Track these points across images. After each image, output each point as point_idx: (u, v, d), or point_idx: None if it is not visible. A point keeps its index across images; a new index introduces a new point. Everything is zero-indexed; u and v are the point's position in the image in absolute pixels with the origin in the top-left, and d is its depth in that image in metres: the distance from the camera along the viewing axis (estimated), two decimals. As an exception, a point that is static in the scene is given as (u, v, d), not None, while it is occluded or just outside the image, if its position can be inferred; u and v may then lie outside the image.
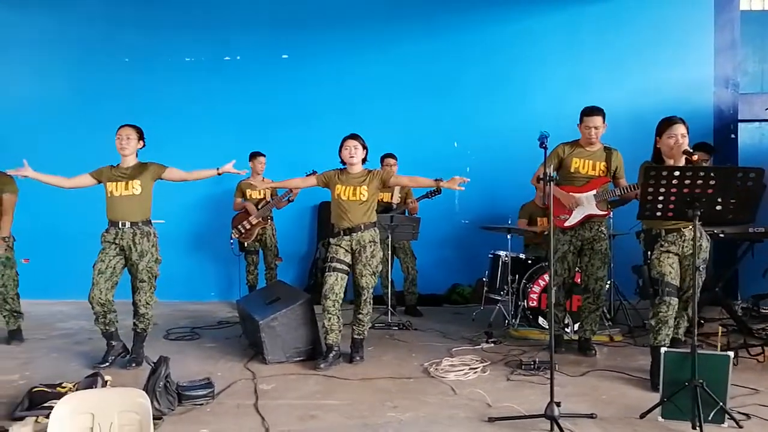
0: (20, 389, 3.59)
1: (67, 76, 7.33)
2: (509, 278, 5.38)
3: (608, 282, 5.49)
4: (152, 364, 3.42)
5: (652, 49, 7.01)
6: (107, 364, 4.21)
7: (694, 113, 6.43)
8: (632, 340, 4.93)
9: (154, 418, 3.07)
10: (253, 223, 6.30)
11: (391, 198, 6.10)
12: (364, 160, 4.44)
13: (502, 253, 5.66)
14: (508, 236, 5.54)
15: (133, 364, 4.19)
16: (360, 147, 4.35)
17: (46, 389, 3.42)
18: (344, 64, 7.28)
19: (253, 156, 6.32)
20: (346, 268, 4.27)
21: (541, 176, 3.20)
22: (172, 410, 3.28)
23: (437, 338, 5.10)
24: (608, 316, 5.35)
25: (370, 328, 5.30)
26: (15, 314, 5.00)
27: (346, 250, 4.27)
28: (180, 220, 7.27)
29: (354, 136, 4.39)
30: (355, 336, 4.41)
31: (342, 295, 4.27)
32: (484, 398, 3.47)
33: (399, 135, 7.09)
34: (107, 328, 4.28)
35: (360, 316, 4.37)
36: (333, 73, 7.28)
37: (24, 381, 3.87)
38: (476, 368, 4.07)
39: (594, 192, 4.38)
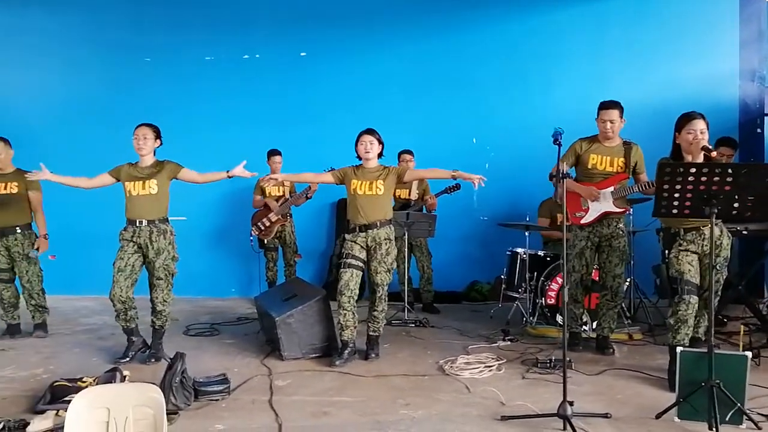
0: (43, 383, 3.68)
1: (93, 76, 7.48)
2: (527, 275, 5.34)
3: (628, 280, 5.43)
4: (169, 360, 3.47)
5: (676, 43, 6.87)
6: (128, 359, 4.30)
7: (719, 107, 6.32)
8: (652, 339, 4.86)
9: (169, 413, 3.15)
10: (273, 220, 6.35)
11: (409, 194, 6.11)
12: (379, 155, 4.44)
13: (520, 250, 5.62)
14: (526, 233, 5.49)
15: (153, 360, 4.26)
16: (376, 142, 4.35)
17: (67, 383, 3.50)
18: (362, 60, 7.29)
19: (270, 154, 6.37)
20: (361, 264, 4.28)
21: (559, 173, 3.15)
22: (188, 405, 3.33)
23: (454, 336, 5.09)
24: (628, 314, 5.29)
25: (386, 324, 5.34)
26: (40, 309, 5.12)
27: (362, 247, 4.29)
28: (201, 217, 7.39)
29: (370, 131, 4.39)
30: (371, 333, 4.42)
31: (357, 291, 4.29)
32: (497, 397, 3.45)
33: (417, 132, 7.09)
34: (128, 324, 4.36)
35: (375, 313, 4.38)
36: (351, 70, 7.30)
37: (47, 375, 3.97)
38: (491, 366, 4.05)
39: (611, 189, 4.31)
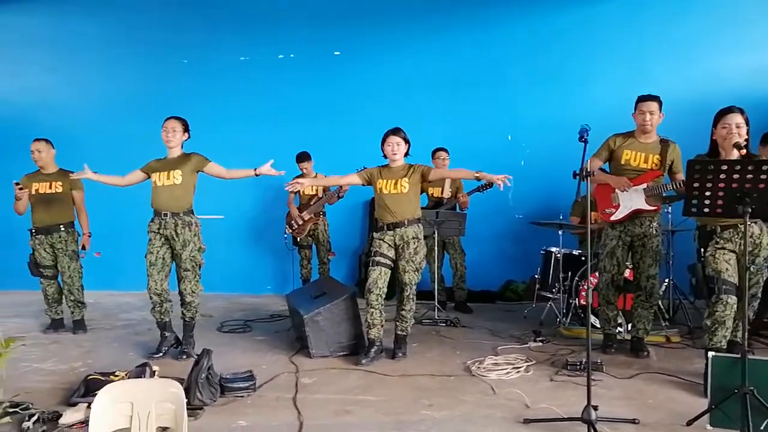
0: (80, 376, 3.79)
1: (132, 77, 7.75)
2: (561, 275, 5.23)
3: (666, 280, 5.26)
4: (195, 356, 3.54)
5: (717, 35, 6.62)
6: (160, 354, 4.41)
7: (764, 101, 6.04)
8: (691, 342, 4.69)
9: (195, 408, 3.23)
10: (306, 219, 6.41)
11: (442, 193, 6.07)
12: (406, 154, 4.41)
13: (554, 249, 5.51)
14: (560, 232, 5.38)
15: (183, 356, 4.35)
16: (402, 142, 4.32)
17: (100, 377, 3.61)
18: (396, 58, 7.29)
19: (300, 159, 6.42)
20: (389, 262, 4.27)
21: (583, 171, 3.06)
22: (214, 401, 3.39)
23: (484, 336, 5.03)
24: (666, 315, 5.12)
25: (416, 324, 5.34)
26: (79, 305, 5.30)
27: (390, 245, 4.28)
28: (238, 215, 7.54)
29: (395, 131, 4.35)
30: (398, 332, 4.41)
31: (385, 289, 4.28)
32: (522, 399, 3.39)
33: (451, 129, 7.06)
34: (162, 317, 4.47)
35: (403, 312, 4.36)
36: (385, 68, 7.31)
37: (85, 369, 4.10)
38: (519, 368, 3.98)
39: (644, 186, 4.16)
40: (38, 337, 5.14)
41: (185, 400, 3.14)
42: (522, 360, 4.13)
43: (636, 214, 4.22)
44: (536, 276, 5.71)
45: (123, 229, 7.32)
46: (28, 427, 3.01)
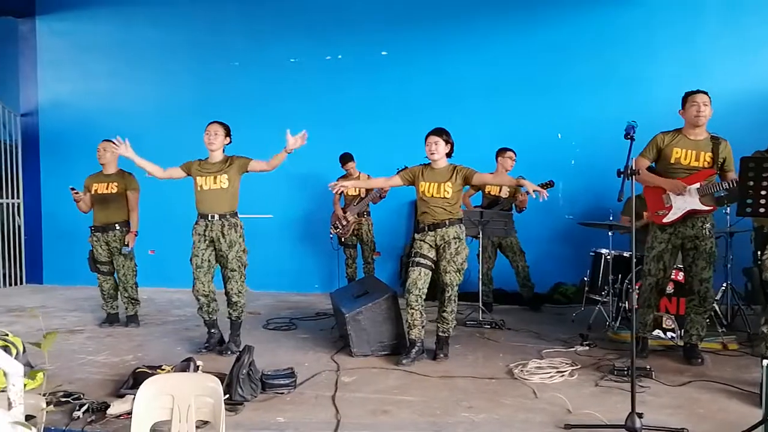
0: (130, 369, 3.93)
1: (188, 81, 8.02)
2: (611, 278, 5.07)
3: (724, 284, 5.03)
4: (237, 352, 3.60)
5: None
6: (206, 350, 4.53)
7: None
8: (750, 350, 4.45)
9: (236, 403, 3.28)
10: (350, 219, 6.45)
11: (500, 191, 5.99)
12: (448, 155, 4.35)
13: (603, 250, 5.35)
14: (610, 233, 5.21)
15: (229, 352, 4.43)
16: (442, 142, 4.26)
17: (148, 370, 3.72)
18: (444, 58, 7.24)
19: (344, 160, 6.46)
20: (429, 263, 4.24)
21: (628, 169, 2.95)
22: (255, 397, 3.44)
23: (530, 339, 4.93)
24: (723, 321, 4.89)
25: (460, 325, 5.29)
26: (133, 301, 5.49)
27: (431, 246, 4.25)
28: (287, 214, 7.66)
29: (436, 131, 4.29)
30: (440, 334, 4.36)
31: (425, 290, 4.25)
32: (565, 404, 3.30)
33: (500, 127, 6.98)
34: (210, 317, 4.59)
35: (444, 314, 4.31)
36: (433, 68, 7.27)
37: (135, 362, 4.25)
38: (564, 372, 3.88)
39: (698, 185, 3.97)
40: (94, 330, 5.36)
41: (223, 395, 3.23)
42: (567, 364, 4.02)
43: (689, 215, 4.04)
44: (585, 278, 5.56)
45: (177, 228, 7.56)
46: (78, 416, 3.14)
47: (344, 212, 6.46)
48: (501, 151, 5.98)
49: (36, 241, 8.55)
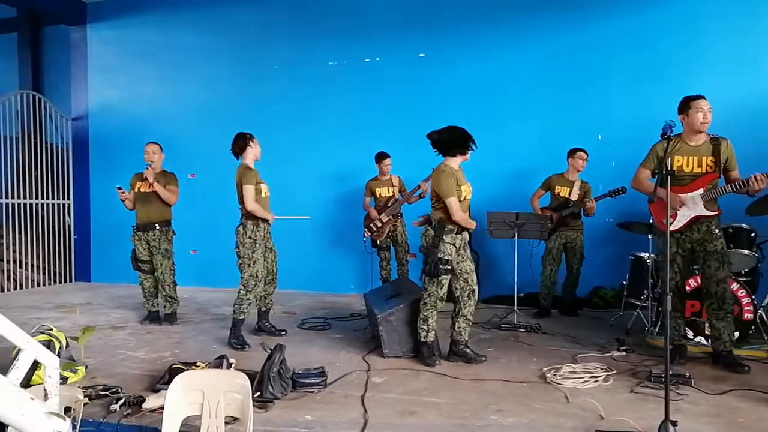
0: (167, 365, 4.04)
1: (228, 85, 8.21)
2: (650, 282, 4.94)
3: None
4: (269, 350, 3.66)
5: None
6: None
7: None
8: (797, 359, 4.27)
9: (266, 401, 3.33)
10: (384, 221, 6.46)
11: (569, 194, 5.91)
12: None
13: (643, 254, 5.22)
14: (650, 236, 5.08)
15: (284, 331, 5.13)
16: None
17: (183, 366, 3.82)
18: (482, 59, 7.18)
19: (380, 158, 6.48)
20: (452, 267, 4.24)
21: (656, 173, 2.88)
22: (285, 395, 3.48)
23: (565, 343, 4.84)
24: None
25: (495, 328, 5.26)
26: (170, 300, 5.64)
27: (457, 249, 4.23)
28: (324, 216, 7.74)
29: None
30: (467, 338, 4.33)
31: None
32: (597, 409, 3.22)
33: (539, 130, 6.92)
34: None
35: (468, 315, 4.30)
36: (471, 69, 7.22)
37: (172, 358, 4.36)
38: (598, 377, 3.80)
39: (701, 191, 3.96)
40: (136, 327, 5.52)
41: (251, 392, 3.29)
42: (602, 369, 3.94)
43: (694, 221, 4.01)
44: (624, 282, 5.43)
45: (218, 230, 7.75)
46: (115, 409, 3.24)
47: (378, 214, 6.47)
48: (571, 152, 5.96)
49: (84, 240, 8.88)
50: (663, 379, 3.61)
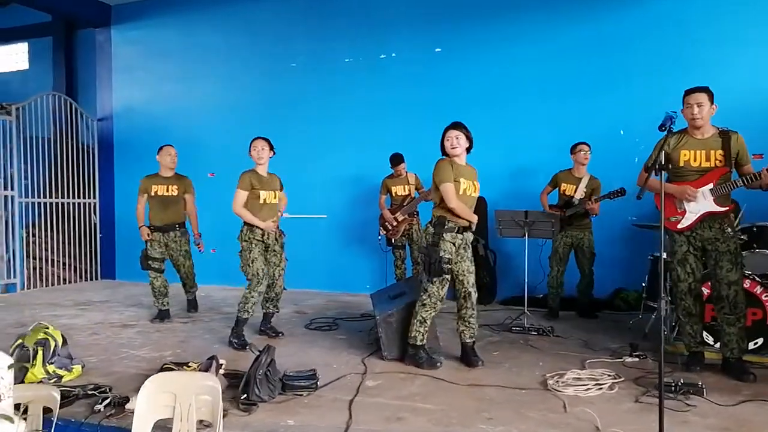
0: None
1: (248, 84, 8.23)
2: (668, 284, 4.66)
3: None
4: (256, 352, 3.59)
5: None
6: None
7: None
8: (827, 368, 3.96)
9: (249, 404, 3.26)
10: (399, 220, 6.33)
11: (574, 192, 5.68)
12: (468, 150, 4.14)
13: (664, 254, 4.93)
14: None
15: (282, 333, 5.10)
16: (463, 137, 4.05)
17: (174, 367, 3.80)
18: (499, 54, 6.98)
19: (395, 162, 6.35)
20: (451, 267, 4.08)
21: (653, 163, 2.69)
22: (273, 398, 3.40)
23: (576, 347, 4.62)
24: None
25: (505, 331, 5.08)
26: (194, 288, 6.07)
27: (455, 249, 4.06)
28: (340, 215, 7.67)
29: (456, 126, 4.10)
30: (472, 340, 4.16)
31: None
32: (594, 420, 3.04)
33: (558, 125, 6.67)
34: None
35: (472, 318, 4.12)
36: (488, 65, 7.03)
37: (171, 357, 4.34)
38: (602, 384, 3.59)
39: (711, 186, 3.72)
40: (145, 325, 5.55)
41: (241, 395, 3.23)
42: (609, 376, 3.73)
43: (705, 218, 3.76)
44: (644, 284, 5.17)
45: (237, 229, 7.75)
46: (99, 409, 3.21)
47: (393, 213, 6.35)
48: (573, 147, 5.77)
49: (110, 239, 9.04)
50: (673, 389, 3.42)
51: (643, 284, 5.20)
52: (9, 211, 7.80)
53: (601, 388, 3.55)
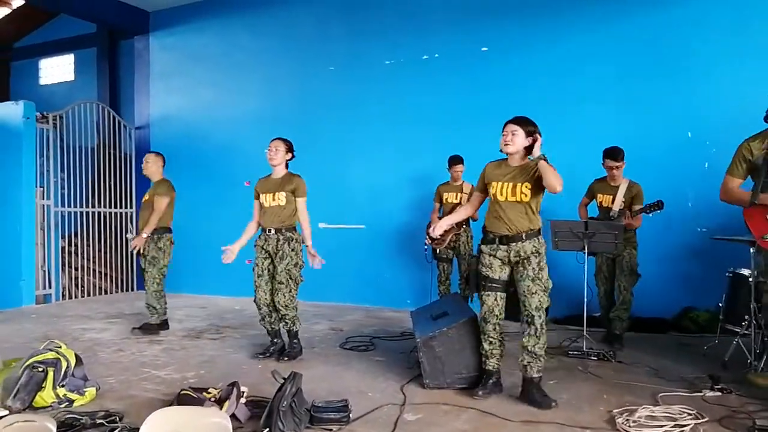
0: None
1: (285, 88, 7.98)
2: (753, 305, 4.07)
3: None
4: (281, 380, 3.18)
5: None
6: (266, 355, 4.61)
7: None
8: None
9: (269, 439, 2.85)
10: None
11: (612, 203, 5.05)
12: (529, 150, 3.55)
13: (745, 271, 4.36)
14: (752, 249, 4.21)
15: (286, 358, 4.51)
16: (521, 133, 3.52)
17: (192, 393, 3.42)
18: (550, 50, 6.50)
19: (452, 162, 5.95)
20: (504, 285, 3.58)
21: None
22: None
23: (645, 377, 4.06)
24: None
25: (560, 355, 4.55)
26: (149, 309, 5.58)
27: (503, 263, 3.57)
28: (382, 225, 7.29)
29: (513, 120, 3.58)
30: (534, 375, 3.53)
31: (502, 315, 3.60)
32: (678, 473, 2.52)
33: (619, 126, 6.09)
34: (272, 326, 4.68)
35: (536, 348, 3.50)
36: (540, 63, 6.54)
37: (195, 380, 4.00)
38: (684, 426, 3.05)
39: None
40: (171, 342, 5.24)
41: (263, 427, 2.84)
42: (689, 415, 3.19)
43: None
44: (721, 304, 4.57)
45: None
46: (106, 442, 2.88)
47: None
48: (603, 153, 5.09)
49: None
50: (770, 433, 2.86)
51: (720, 304, 4.60)
52: (46, 220, 7.70)
53: (682, 430, 3.01)
